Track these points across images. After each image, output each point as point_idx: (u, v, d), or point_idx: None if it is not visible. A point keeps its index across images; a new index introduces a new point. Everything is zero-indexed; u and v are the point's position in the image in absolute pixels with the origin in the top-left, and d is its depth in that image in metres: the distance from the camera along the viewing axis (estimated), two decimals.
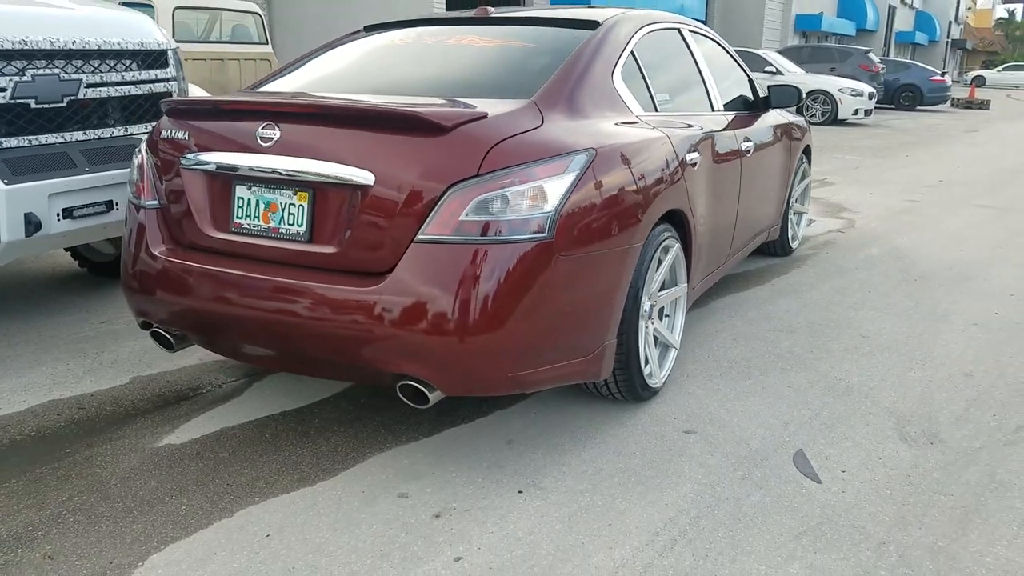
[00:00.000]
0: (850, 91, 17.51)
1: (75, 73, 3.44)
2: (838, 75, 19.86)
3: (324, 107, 2.48)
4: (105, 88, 3.57)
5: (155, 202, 2.82)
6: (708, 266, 3.73)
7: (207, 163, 2.61)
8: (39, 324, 3.98)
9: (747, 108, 4.46)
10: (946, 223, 6.92)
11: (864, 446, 2.84)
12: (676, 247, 3.15)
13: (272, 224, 2.55)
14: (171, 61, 3.90)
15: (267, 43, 10.63)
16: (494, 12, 3.50)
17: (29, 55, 3.28)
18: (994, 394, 3.29)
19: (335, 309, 2.39)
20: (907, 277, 5.11)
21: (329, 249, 2.46)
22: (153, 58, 3.79)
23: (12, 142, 3.26)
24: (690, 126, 3.41)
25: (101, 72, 3.54)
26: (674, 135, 3.16)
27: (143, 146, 2.94)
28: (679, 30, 3.85)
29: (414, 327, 2.32)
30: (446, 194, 2.33)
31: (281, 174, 2.47)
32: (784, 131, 4.93)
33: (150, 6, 9.22)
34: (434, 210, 2.33)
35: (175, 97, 3.96)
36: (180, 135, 2.73)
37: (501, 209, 2.33)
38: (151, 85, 3.80)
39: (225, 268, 2.57)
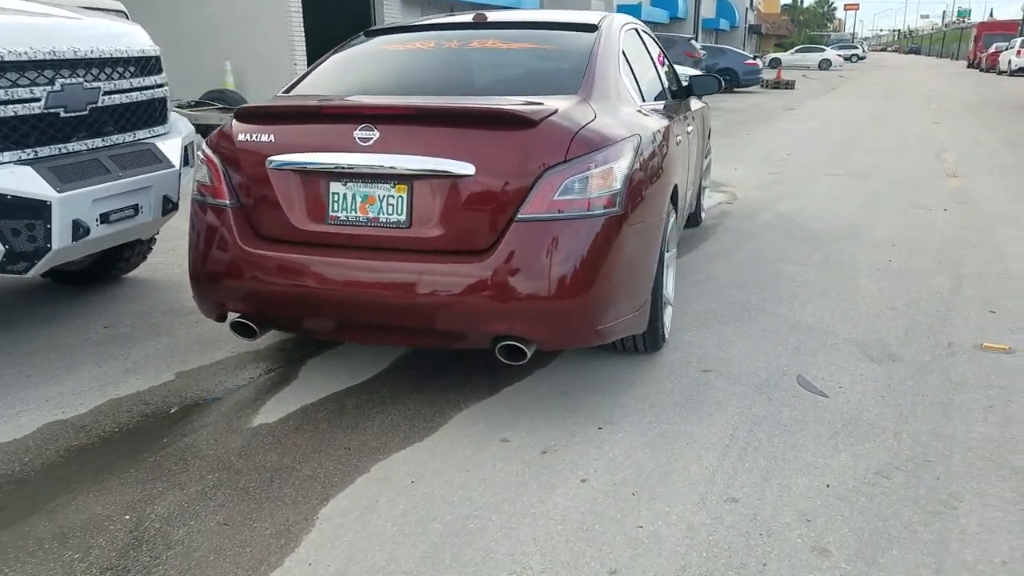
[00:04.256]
0: (684, 77, 18.87)
1: (94, 82, 3.52)
2: None
3: (423, 108, 2.82)
4: (118, 95, 3.65)
5: (233, 201, 3.03)
6: (678, 232, 4.31)
7: (300, 163, 2.87)
8: (41, 334, 3.99)
9: (677, 95, 5.08)
10: (812, 191, 7.92)
11: (845, 368, 3.50)
12: (674, 215, 3.69)
13: (371, 215, 2.85)
14: (162, 66, 4.01)
15: None
16: (490, 16, 3.88)
17: (57, 65, 3.34)
18: (920, 320, 4.08)
19: (445, 284, 2.74)
20: (805, 236, 5.95)
21: (431, 233, 2.80)
22: (151, 64, 3.90)
23: (46, 151, 3.32)
24: (668, 113, 3.96)
25: (114, 80, 3.63)
26: (667, 121, 3.69)
27: (207, 149, 3.13)
28: (636, 29, 4.39)
29: (520, 294, 2.72)
30: (540, 178, 2.73)
31: (383, 170, 2.78)
32: (700, 114, 5.61)
33: None
34: (530, 193, 2.74)
35: (168, 100, 4.08)
36: (261, 138, 2.96)
37: (583, 189, 2.77)
38: (152, 91, 3.90)
39: (325, 256, 2.86)
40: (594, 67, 3.33)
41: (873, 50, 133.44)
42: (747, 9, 59.48)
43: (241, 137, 3.01)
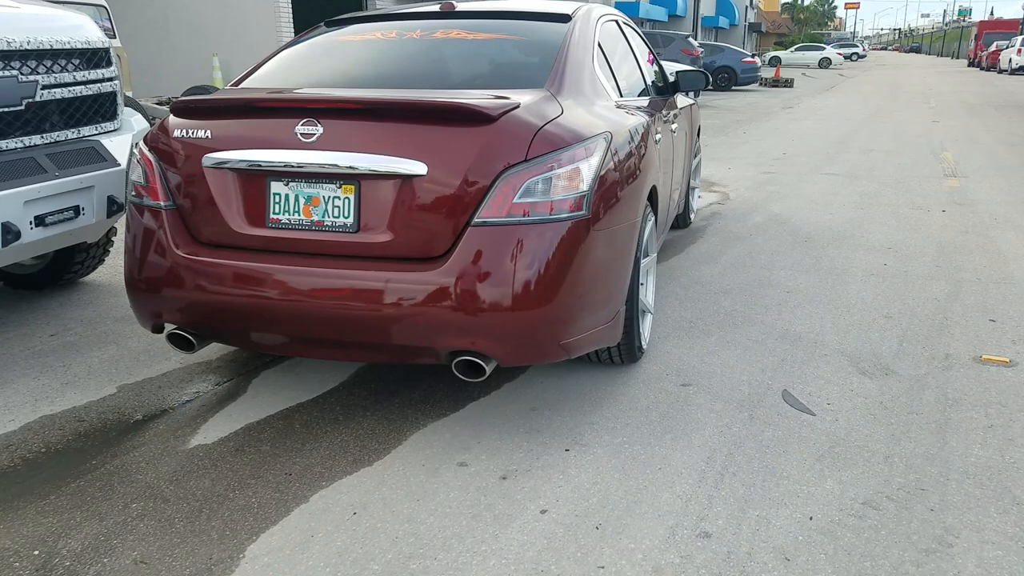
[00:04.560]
0: (671, 73, 18.60)
1: (31, 75, 3.28)
2: (663, 60, 21.05)
3: (370, 101, 2.57)
4: (59, 89, 3.42)
5: (169, 203, 2.79)
6: (660, 234, 4.07)
7: (238, 161, 2.63)
8: None
9: (662, 91, 4.83)
10: (806, 191, 7.68)
11: (835, 382, 3.26)
12: (652, 219, 3.46)
13: (315, 217, 2.61)
14: (112, 59, 3.77)
15: (114, 36, 10.06)
16: (459, 6, 3.64)
17: None
18: (916, 330, 3.84)
19: (395, 294, 2.50)
20: (797, 239, 5.70)
21: (380, 238, 2.56)
22: (99, 57, 3.65)
23: None
24: (648, 110, 3.72)
25: (54, 73, 3.39)
26: (646, 119, 3.45)
27: (143, 147, 2.89)
28: (616, 21, 4.15)
29: (477, 305, 2.48)
30: (498, 179, 2.50)
31: (327, 169, 2.54)
32: (688, 112, 5.37)
33: None
34: (487, 195, 2.50)
35: (120, 95, 3.84)
36: (198, 134, 2.72)
37: (545, 191, 2.53)
38: (99, 85, 3.66)
39: (265, 263, 2.62)
40: (564, 59, 3.09)
41: (873, 49, 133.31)
42: (747, 7, 59.18)
43: (177, 133, 2.77)
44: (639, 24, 35.04)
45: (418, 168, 2.50)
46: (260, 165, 2.60)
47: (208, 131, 2.71)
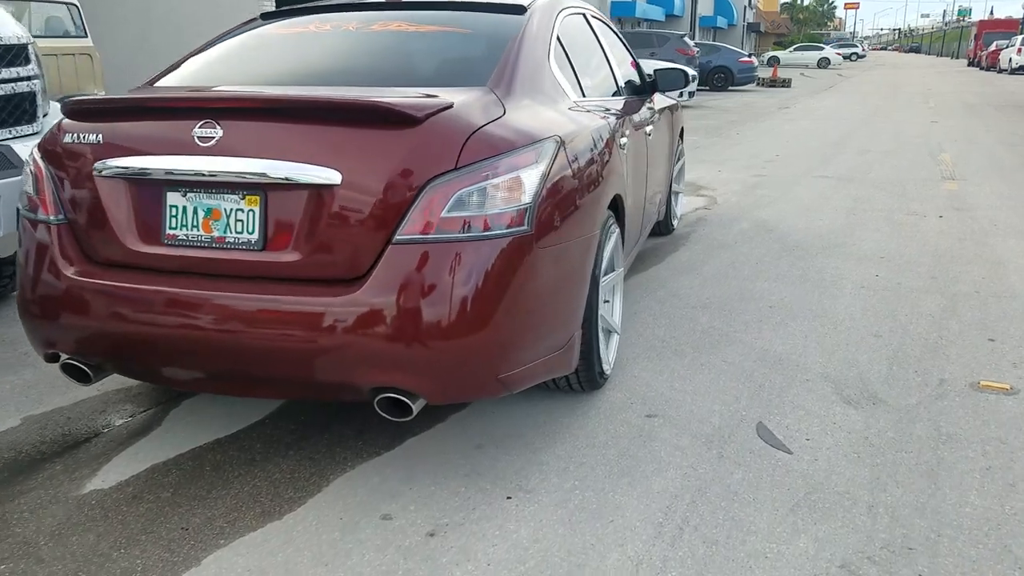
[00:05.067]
0: (649, 73, 18.25)
1: None
2: (658, 59, 20.70)
3: (277, 101, 2.25)
4: None
5: (60, 216, 2.47)
6: (630, 247, 3.75)
7: (129, 169, 2.31)
8: None
9: (638, 91, 4.51)
10: (797, 195, 7.35)
11: (816, 413, 2.94)
12: (616, 232, 3.13)
13: (216, 233, 2.28)
14: (32, 57, 3.45)
15: (86, 36, 9.73)
16: None
17: None
18: (908, 351, 3.51)
19: (306, 322, 2.18)
20: (785, 247, 5.38)
21: (289, 257, 2.24)
22: (14, 54, 3.33)
23: None
24: (616, 111, 3.40)
25: None
26: (611, 121, 3.13)
27: (36, 153, 2.56)
28: (584, 15, 3.82)
29: (399, 335, 2.15)
30: (424, 190, 2.17)
31: (227, 177, 2.22)
32: (667, 113, 5.04)
33: None
34: (411, 208, 2.17)
35: (39, 95, 3.51)
36: (90, 138, 2.40)
37: (480, 203, 2.20)
38: (13, 84, 3.33)
39: (160, 285, 2.29)
40: (513, 54, 2.76)
41: (873, 49, 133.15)
42: (746, 7, 58.85)
43: (68, 138, 2.45)
44: (636, 24, 34.70)
45: (331, 176, 2.18)
46: (149, 172, 2.28)
47: (100, 135, 2.39)
